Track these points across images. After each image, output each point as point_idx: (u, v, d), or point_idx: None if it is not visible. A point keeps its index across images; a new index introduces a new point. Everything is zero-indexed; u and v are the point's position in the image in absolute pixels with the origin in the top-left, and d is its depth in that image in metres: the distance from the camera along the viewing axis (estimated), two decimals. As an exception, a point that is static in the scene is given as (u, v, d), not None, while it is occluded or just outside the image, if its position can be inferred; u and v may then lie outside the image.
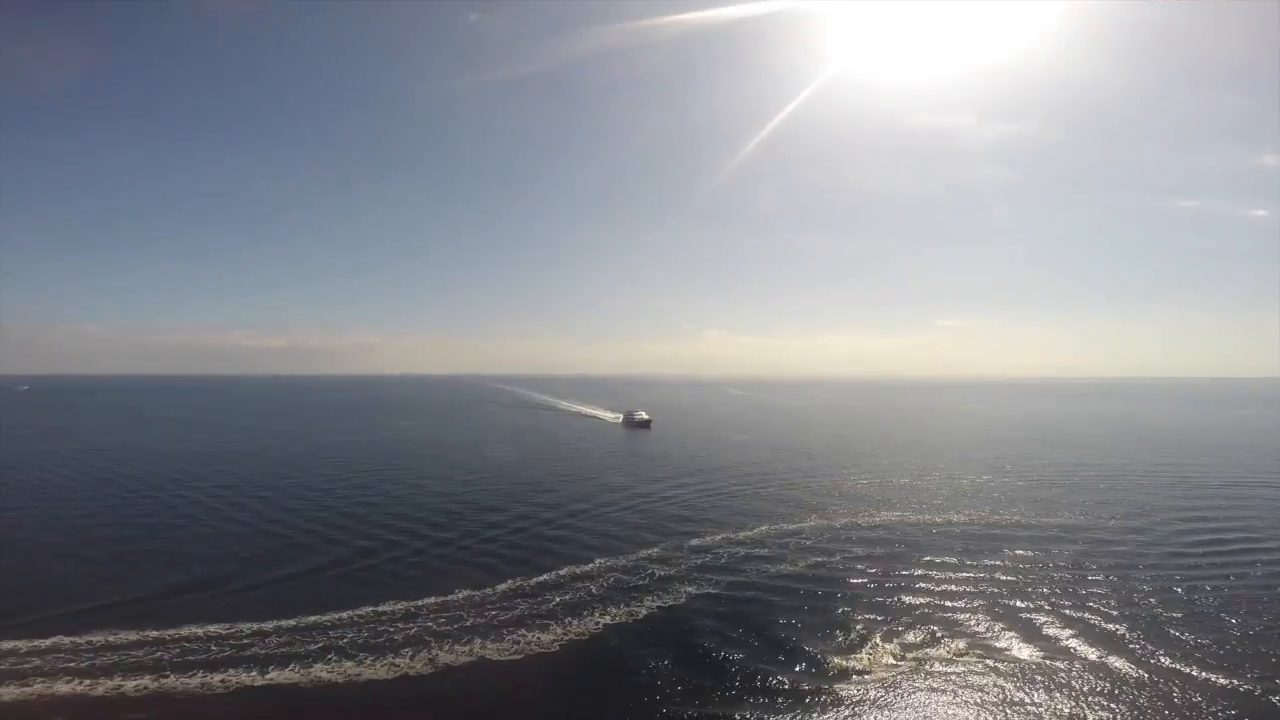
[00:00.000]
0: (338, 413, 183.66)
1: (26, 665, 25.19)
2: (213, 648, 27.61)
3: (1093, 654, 28.15)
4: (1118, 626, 31.24)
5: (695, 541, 45.29)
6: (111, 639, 28.13)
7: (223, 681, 24.73)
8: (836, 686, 25.43)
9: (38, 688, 23.41)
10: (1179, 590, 36.16)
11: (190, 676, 24.91)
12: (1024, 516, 52.95)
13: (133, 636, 28.58)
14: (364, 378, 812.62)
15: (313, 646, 28.12)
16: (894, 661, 27.56)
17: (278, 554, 42.88)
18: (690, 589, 36.46)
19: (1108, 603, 34.25)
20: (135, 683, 24.07)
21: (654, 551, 43.15)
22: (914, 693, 24.87)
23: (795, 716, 23.39)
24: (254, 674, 25.37)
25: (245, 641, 28.48)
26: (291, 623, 30.80)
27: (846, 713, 23.59)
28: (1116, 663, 27.27)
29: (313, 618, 31.45)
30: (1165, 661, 27.48)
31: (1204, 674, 26.40)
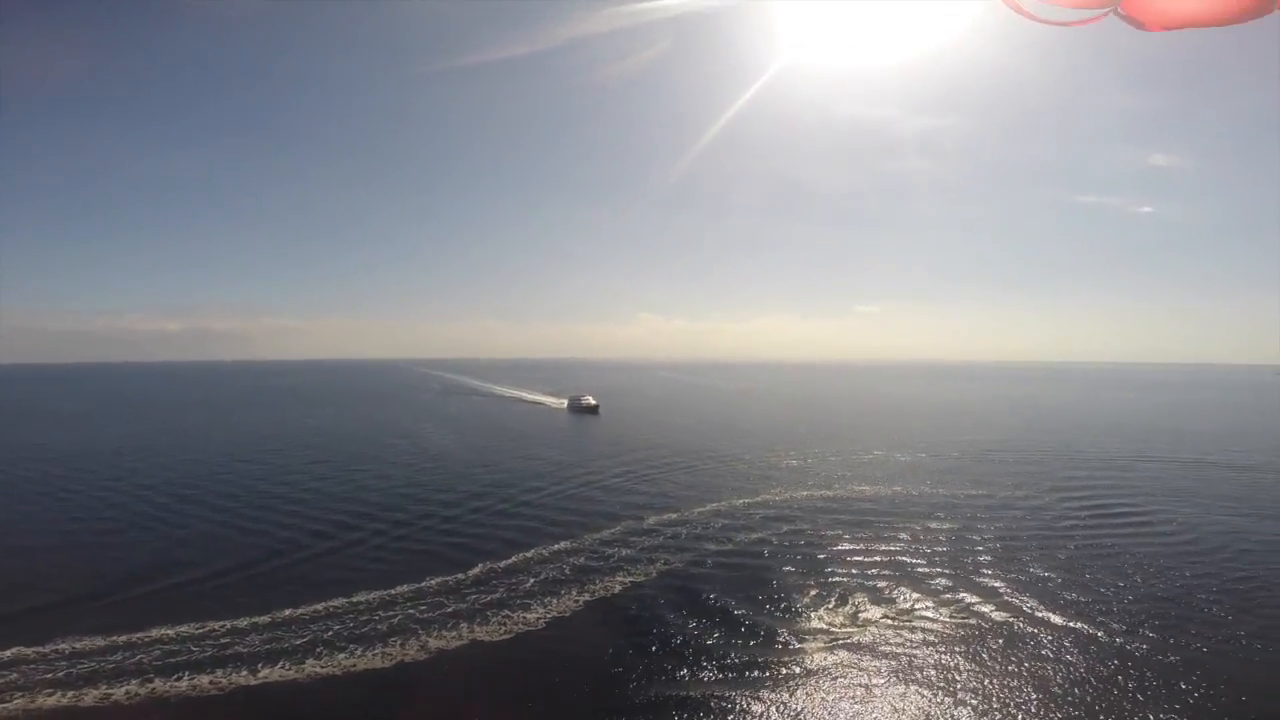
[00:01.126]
0: (260, 402, 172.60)
1: (-4, 680, 23.25)
2: (192, 648, 26.37)
3: (1001, 614, 31.83)
4: (1029, 590, 35.35)
5: (653, 519, 46.59)
6: (78, 645, 26.26)
7: (213, 683, 23.79)
8: (794, 651, 27.75)
9: (19, 702, 21.66)
10: (1066, 554, 40.82)
11: (178, 680, 23.76)
12: (938, 488, 57.79)
13: (100, 642, 26.76)
14: (281, 363, 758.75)
15: (298, 641, 27.42)
16: (845, 626, 30.08)
17: (232, 548, 40.69)
18: (658, 564, 37.84)
19: (1012, 567, 38.56)
20: (124, 689, 22.74)
21: (616, 530, 44.21)
22: (863, 654, 27.53)
23: (767, 674, 25.43)
24: (245, 673, 24.55)
25: (224, 640, 27.38)
26: (266, 619, 29.74)
27: (808, 674, 25.86)
28: (1025, 622, 31.13)
29: (287, 611, 30.50)
30: (1050, 616, 31.55)
31: (1084, 625, 30.66)
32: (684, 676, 25.39)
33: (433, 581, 34.60)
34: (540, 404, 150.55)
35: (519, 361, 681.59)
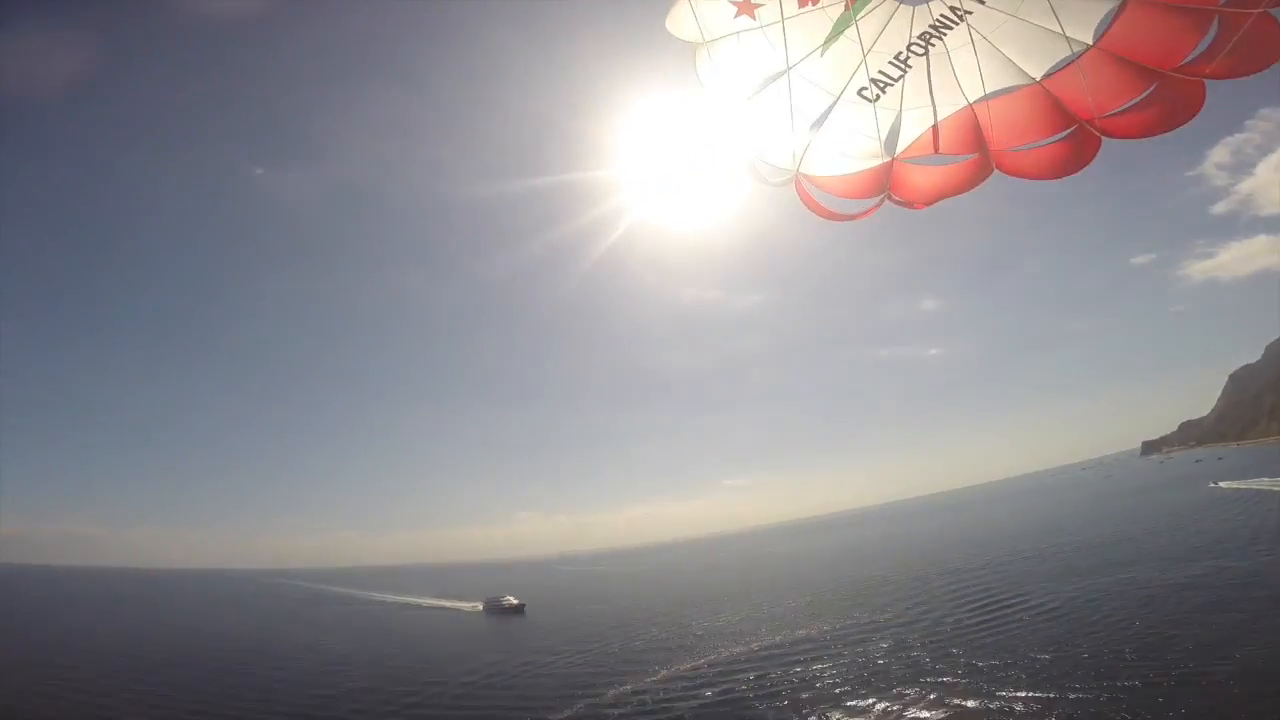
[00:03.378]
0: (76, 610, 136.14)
1: None
2: None
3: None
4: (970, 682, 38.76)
5: (613, 692, 44.39)
6: None
7: None
8: None
9: None
10: (989, 643, 42.63)
11: None
12: (861, 618, 61.07)
13: None
14: (84, 570, 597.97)
15: None
16: None
17: None
18: None
19: (952, 667, 41.28)
20: None
21: (569, 713, 41.70)
22: None
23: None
24: None
25: None
26: None
27: None
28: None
29: None
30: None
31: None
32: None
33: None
34: (446, 608, 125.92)
35: (388, 568, 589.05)
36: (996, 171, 9.45)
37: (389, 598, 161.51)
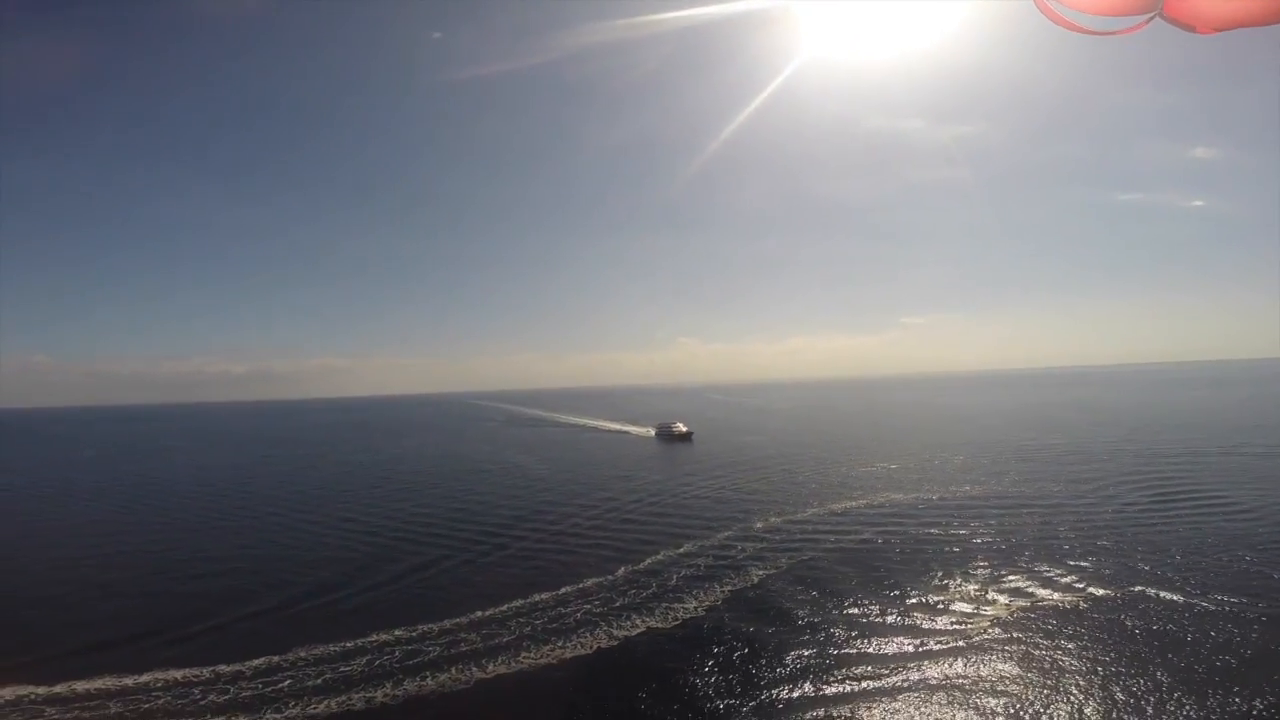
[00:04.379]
0: (338, 434, 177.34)
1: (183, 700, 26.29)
2: (424, 646, 28.51)
3: (1102, 594, 32.89)
4: (1122, 572, 36.59)
5: (761, 524, 48.10)
6: (315, 652, 28.71)
7: (451, 679, 25.72)
8: (922, 635, 29.35)
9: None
10: (1160, 539, 42.29)
11: (423, 679, 26.16)
12: (1027, 488, 58.49)
13: (333, 649, 28.95)
14: (338, 400, 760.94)
15: (507, 638, 29.31)
16: (957, 617, 31.56)
17: (409, 561, 42.73)
18: (783, 560, 39.49)
19: (1107, 555, 39.90)
20: (380, 690, 25.48)
21: (731, 534, 45.75)
22: (981, 643, 28.82)
23: (899, 663, 26.96)
24: (474, 669, 26.54)
25: (445, 640, 29.32)
26: (464, 619, 31.58)
27: (937, 658, 27.28)
28: (1127, 599, 32.05)
29: (477, 613, 32.22)
30: (1145, 590, 32.44)
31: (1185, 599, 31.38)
32: (824, 657, 27.17)
33: (589, 582, 36.64)
34: (623, 432, 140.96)
35: (567, 391, 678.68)
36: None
37: (572, 420, 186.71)
